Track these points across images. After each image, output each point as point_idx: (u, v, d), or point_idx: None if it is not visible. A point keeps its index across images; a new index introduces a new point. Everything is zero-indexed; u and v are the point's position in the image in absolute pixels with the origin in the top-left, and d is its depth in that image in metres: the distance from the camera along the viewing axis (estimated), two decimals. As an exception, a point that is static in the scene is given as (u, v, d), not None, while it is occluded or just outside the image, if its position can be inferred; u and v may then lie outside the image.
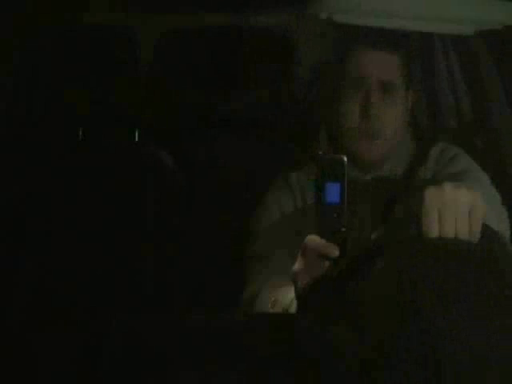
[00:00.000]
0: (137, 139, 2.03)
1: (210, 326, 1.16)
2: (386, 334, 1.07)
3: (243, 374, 1.11)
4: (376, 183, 1.63)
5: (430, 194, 1.14)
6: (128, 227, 1.88)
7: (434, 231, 1.13)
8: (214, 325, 1.17)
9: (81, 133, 1.96)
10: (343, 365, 1.09)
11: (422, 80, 2.22)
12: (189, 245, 1.91)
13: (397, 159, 1.65)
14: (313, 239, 1.24)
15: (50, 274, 1.81)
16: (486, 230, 1.16)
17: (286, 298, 1.40)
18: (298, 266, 1.26)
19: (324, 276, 1.22)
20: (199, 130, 2.10)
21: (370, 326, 1.10)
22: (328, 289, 1.20)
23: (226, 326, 1.17)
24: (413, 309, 1.07)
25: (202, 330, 1.16)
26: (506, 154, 2.01)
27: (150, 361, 1.12)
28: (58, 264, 1.82)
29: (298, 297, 1.29)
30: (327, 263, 1.23)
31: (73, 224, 1.84)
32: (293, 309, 1.36)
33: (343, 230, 1.24)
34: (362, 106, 1.59)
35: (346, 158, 1.24)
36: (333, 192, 1.23)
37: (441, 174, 1.61)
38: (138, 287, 1.85)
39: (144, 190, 1.94)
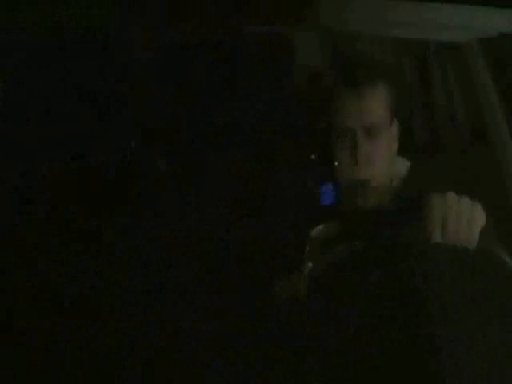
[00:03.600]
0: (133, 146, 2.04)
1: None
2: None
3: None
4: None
5: (434, 201, 1.20)
6: (124, 230, 1.88)
7: (436, 237, 1.18)
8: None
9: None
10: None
11: (418, 93, 2.23)
12: (184, 247, 1.92)
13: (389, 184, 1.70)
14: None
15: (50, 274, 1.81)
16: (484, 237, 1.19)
17: None
18: None
19: None
20: (197, 139, 2.11)
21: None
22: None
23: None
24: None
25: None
26: (503, 165, 2.01)
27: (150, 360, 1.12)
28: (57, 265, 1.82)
29: None
30: None
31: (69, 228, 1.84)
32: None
33: None
34: (351, 154, 1.61)
35: (336, 162, 1.26)
36: (327, 194, 1.25)
37: None
38: (135, 289, 1.84)
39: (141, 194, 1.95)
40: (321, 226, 1.28)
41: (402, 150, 1.71)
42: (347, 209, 1.68)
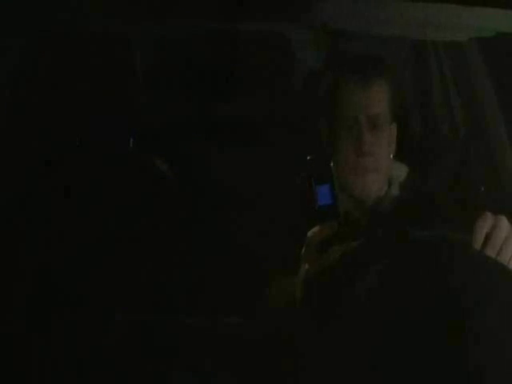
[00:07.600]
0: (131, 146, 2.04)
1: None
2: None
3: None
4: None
5: (485, 216, 1.19)
6: (125, 233, 1.88)
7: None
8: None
9: (78, 139, 1.96)
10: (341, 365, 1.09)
11: (417, 92, 2.24)
12: (185, 250, 1.92)
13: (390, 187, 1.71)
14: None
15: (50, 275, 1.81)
16: None
17: None
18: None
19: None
20: (195, 136, 2.11)
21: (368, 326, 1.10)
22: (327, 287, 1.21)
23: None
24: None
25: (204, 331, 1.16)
26: (501, 164, 2.02)
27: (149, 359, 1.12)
28: (57, 266, 1.82)
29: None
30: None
31: (71, 229, 1.84)
32: None
33: None
34: (355, 144, 1.63)
35: (332, 162, 1.26)
36: (324, 194, 1.25)
37: None
38: (136, 290, 1.84)
39: (140, 197, 1.94)
40: (317, 227, 1.28)
41: (400, 151, 1.73)
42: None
